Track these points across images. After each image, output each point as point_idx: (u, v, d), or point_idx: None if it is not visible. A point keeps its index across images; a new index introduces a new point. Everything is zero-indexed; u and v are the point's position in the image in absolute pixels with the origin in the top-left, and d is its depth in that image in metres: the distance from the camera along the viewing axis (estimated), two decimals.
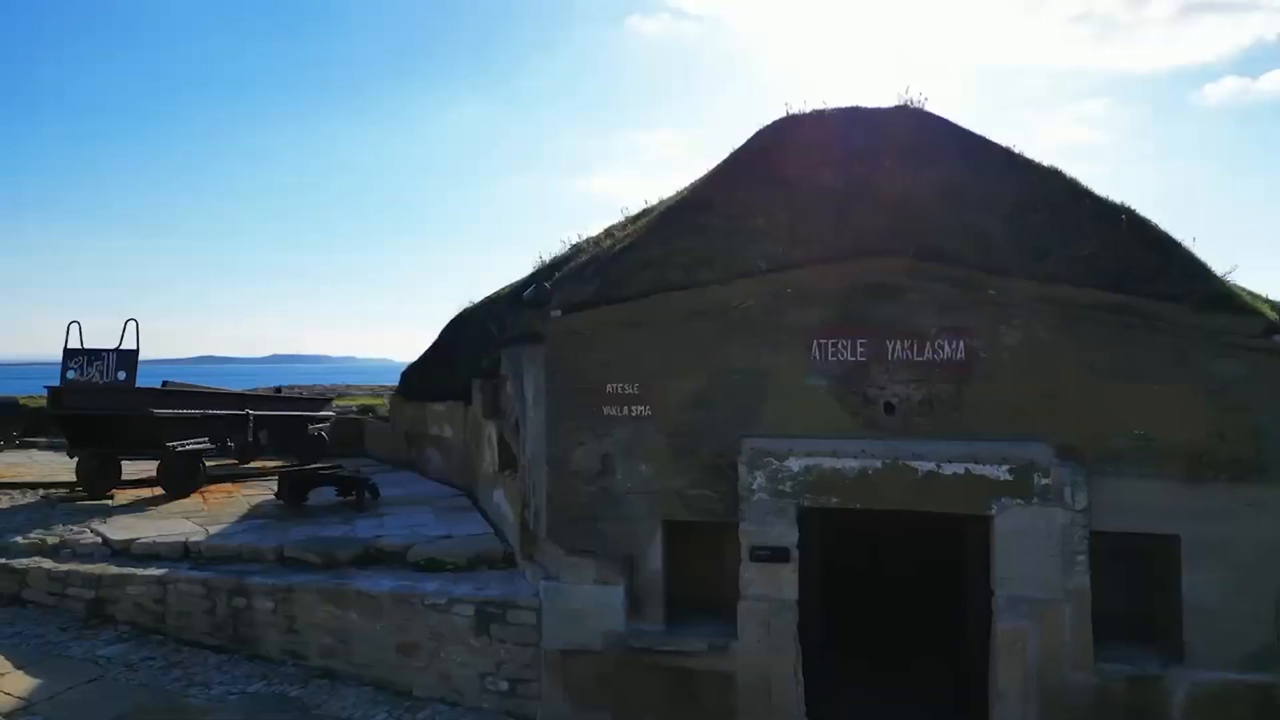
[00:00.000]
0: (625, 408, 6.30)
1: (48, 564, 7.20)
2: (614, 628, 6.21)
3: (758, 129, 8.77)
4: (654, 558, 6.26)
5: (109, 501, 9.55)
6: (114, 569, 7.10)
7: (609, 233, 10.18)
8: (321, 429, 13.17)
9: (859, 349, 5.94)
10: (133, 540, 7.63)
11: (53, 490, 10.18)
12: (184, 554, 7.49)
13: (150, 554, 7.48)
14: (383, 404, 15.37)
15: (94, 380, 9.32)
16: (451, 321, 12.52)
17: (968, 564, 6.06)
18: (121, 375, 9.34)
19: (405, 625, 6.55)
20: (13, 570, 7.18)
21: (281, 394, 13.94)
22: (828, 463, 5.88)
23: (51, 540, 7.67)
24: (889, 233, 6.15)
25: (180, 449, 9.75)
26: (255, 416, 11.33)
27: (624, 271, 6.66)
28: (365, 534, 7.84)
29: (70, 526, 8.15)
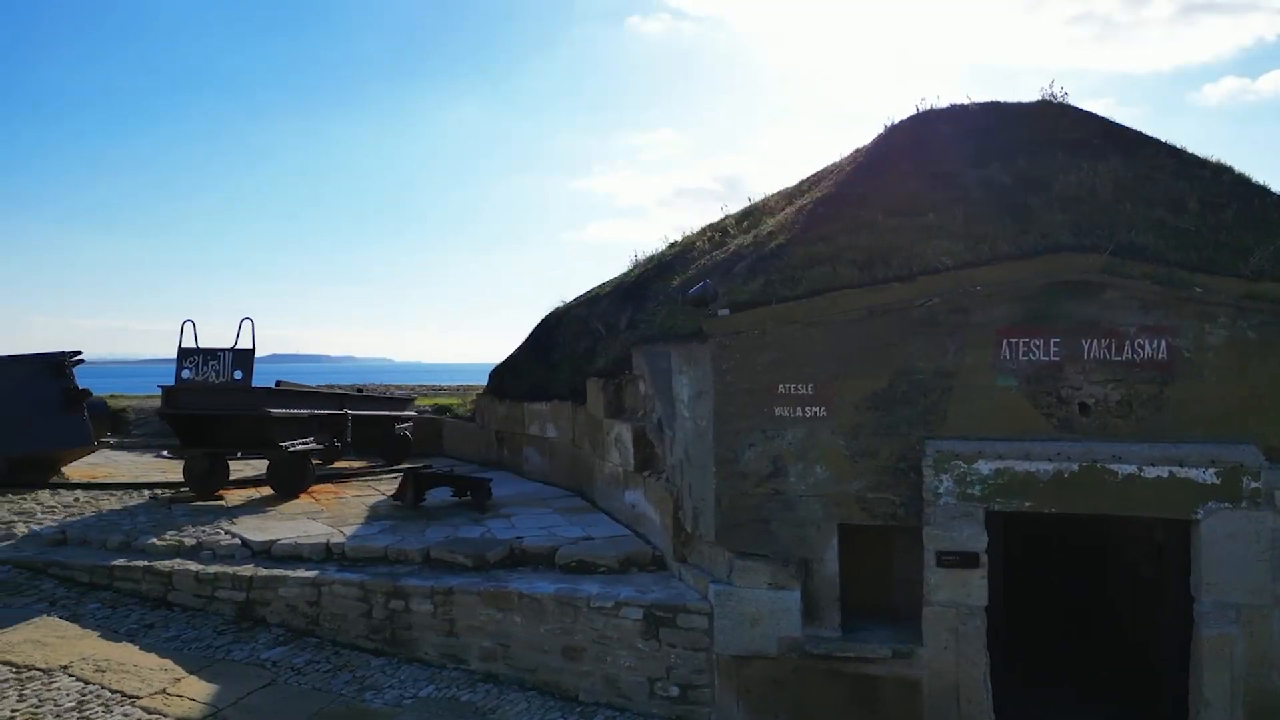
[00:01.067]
0: (799, 408, 6.17)
1: (194, 566, 7.12)
2: (790, 633, 6.09)
3: (888, 124, 8.64)
4: (830, 562, 6.14)
5: (221, 502, 9.50)
6: (264, 571, 7.02)
7: (720, 229, 10.08)
8: (406, 429, 13.10)
9: (1052, 348, 5.78)
10: (273, 542, 7.55)
11: (159, 490, 10.14)
12: (326, 555, 7.41)
13: (292, 555, 7.41)
14: (456, 403, 15.29)
15: (210, 380, 9.26)
16: (542, 322, 12.43)
17: (1165, 570, 5.92)
18: (238, 375, 9.27)
19: (569, 629, 6.44)
20: (158, 572, 7.10)
21: (363, 393, 13.86)
22: (1020, 465, 5.73)
23: (189, 542, 7.60)
24: (1075, 228, 6.00)
25: (293, 449, 9.69)
26: (352, 416, 11.26)
27: (790, 269, 6.54)
28: (504, 535, 7.74)
29: (202, 528, 8.08)
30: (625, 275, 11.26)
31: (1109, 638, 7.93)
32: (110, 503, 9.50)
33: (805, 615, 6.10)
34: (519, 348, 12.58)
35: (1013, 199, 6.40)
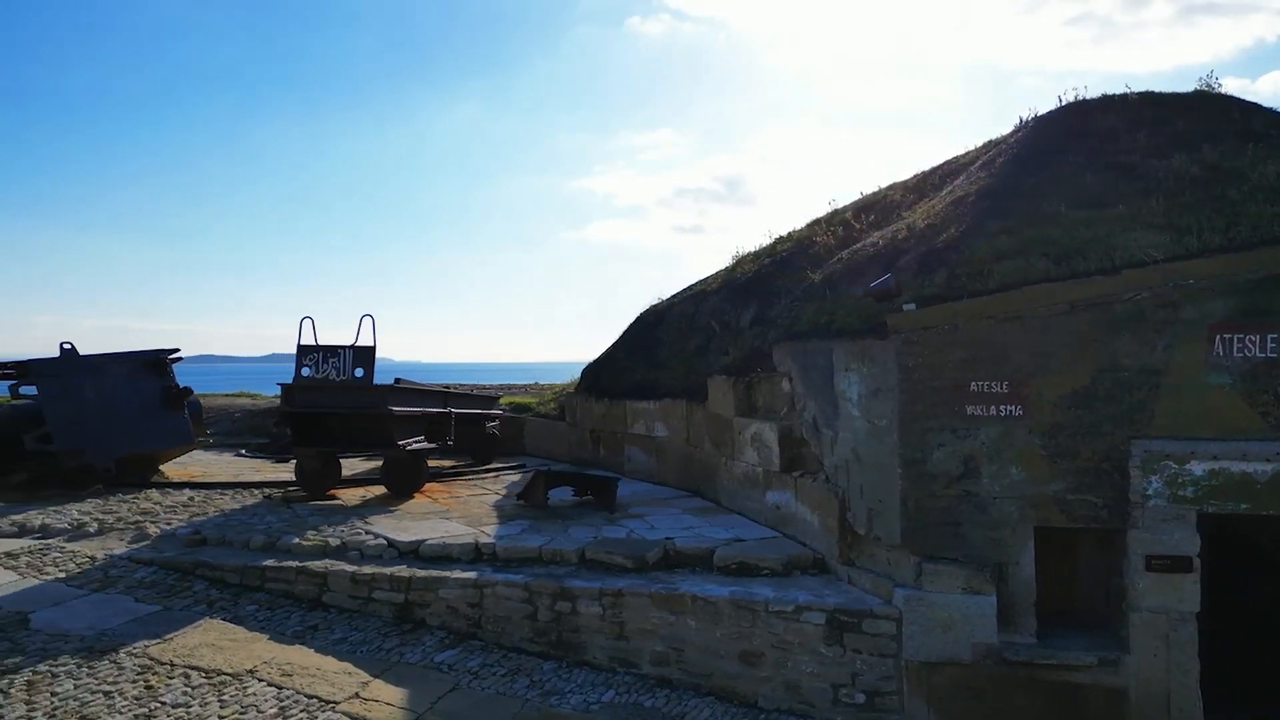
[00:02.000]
0: (992, 407, 5.98)
1: (348, 567, 6.97)
2: (985, 639, 5.90)
3: (1032, 116, 8.43)
4: (1026, 566, 5.95)
5: (337, 501, 9.36)
6: (422, 572, 6.87)
7: (837, 224, 9.89)
8: (494, 428, 12.96)
9: (1269, 344, 5.57)
10: (420, 542, 7.40)
11: (271, 490, 10.01)
12: (476, 555, 7.26)
13: (441, 556, 7.26)
14: (533, 402, 15.14)
15: (330, 377, 9.13)
16: (639, 320, 12.28)
17: None
18: (359, 372, 9.13)
19: (747, 633, 6.27)
20: (312, 573, 6.96)
21: (450, 391, 13.72)
22: (1235, 466, 5.53)
23: (334, 542, 7.46)
24: None
25: (410, 448, 9.55)
26: (456, 414, 11.11)
27: (975, 263, 6.35)
28: (651, 536, 7.57)
29: (338, 528, 7.94)
30: (731, 272, 11.10)
31: None
32: (223, 502, 9.37)
33: (1000, 621, 5.91)
34: (614, 346, 12.43)
35: (1210, 190, 6.19)
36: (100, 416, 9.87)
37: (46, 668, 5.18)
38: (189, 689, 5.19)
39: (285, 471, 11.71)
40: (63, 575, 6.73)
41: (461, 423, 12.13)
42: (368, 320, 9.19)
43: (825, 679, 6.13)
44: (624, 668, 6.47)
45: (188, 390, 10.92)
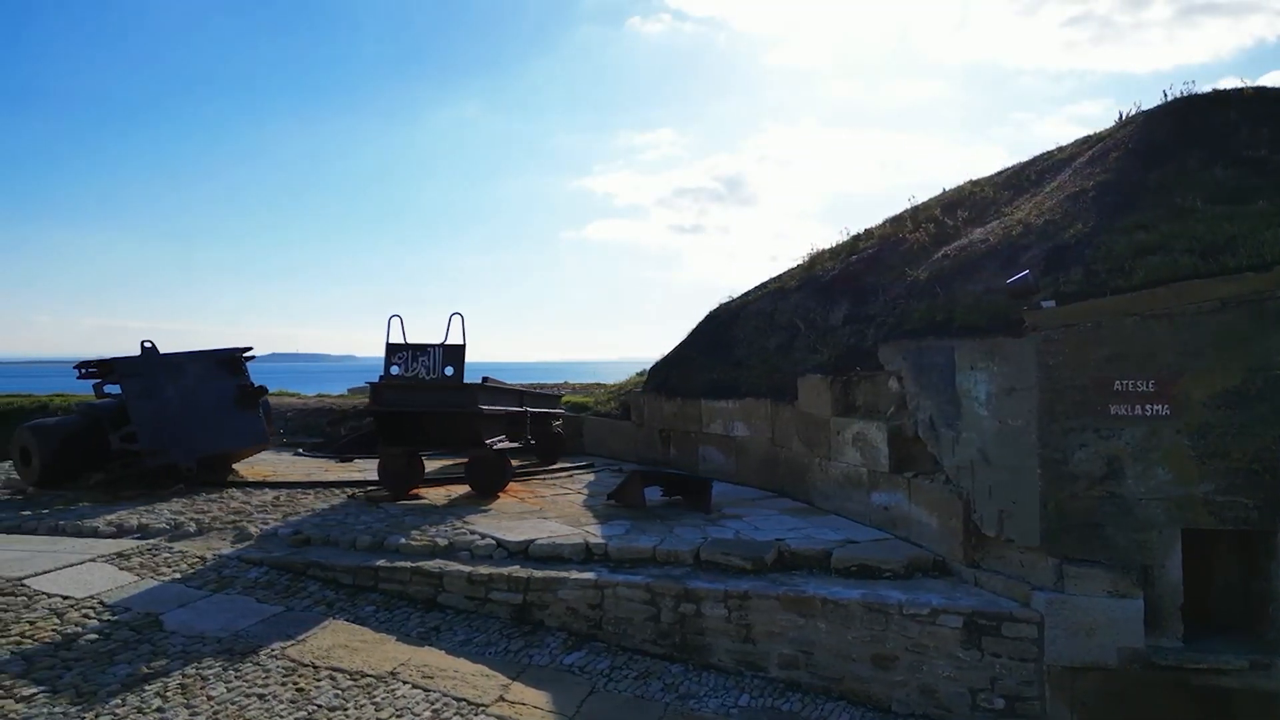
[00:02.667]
0: (1138, 406, 5.86)
1: (464, 567, 6.89)
2: (1131, 643, 5.79)
3: (1139, 111, 8.30)
4: (1173, 569, 5.83)
5: (423, 501, 9.29)
6: (540, 573, 6.78)
7: (924, 220, 9.77)
8: (558, 426, 12.87)
9: None
10: (530, 542, 7.32)
11: (354, 490, 9.94)
12: (587, 556, 7.17)
13: (552, 556, 7.17)
14: (590, 400, 15.06)
15: (420, 376, 9.05)
16: (710, 319, 12.18)
17: None
18: (449, 371, 9.06)
19: (879, 636, 6.16)
20: (427, 574, 6.88)
21: (526, 390, 13.65)
22: None
23: (442, 542, 7.37)
24: None
25: (498, 447, 9.47)
26: (531, 414, 11.03)
27: (1114, 259, 6.23)
28: (761, 536, 7.47)
29: (439, 527, 7.86)
30: (809, 270, 10.98)
31: None
32: (309, 502, 9.30)
33: (1146, 624, 5.80)
34: (683, 344, 12.33)
35: None
36: (182, 416, 9.81)
37: (194, 670, 5.10)
38: (339, 691, 5.10)
39: (355, 471, 11.66)
40: (178, 576, 6.66)
41: (533, 421, 12.07)
42: (457, 319, 9.12)
43: (963, 683, 6.02)
44: (750, 671, 6.37)
45: (262, 389, 10.86)
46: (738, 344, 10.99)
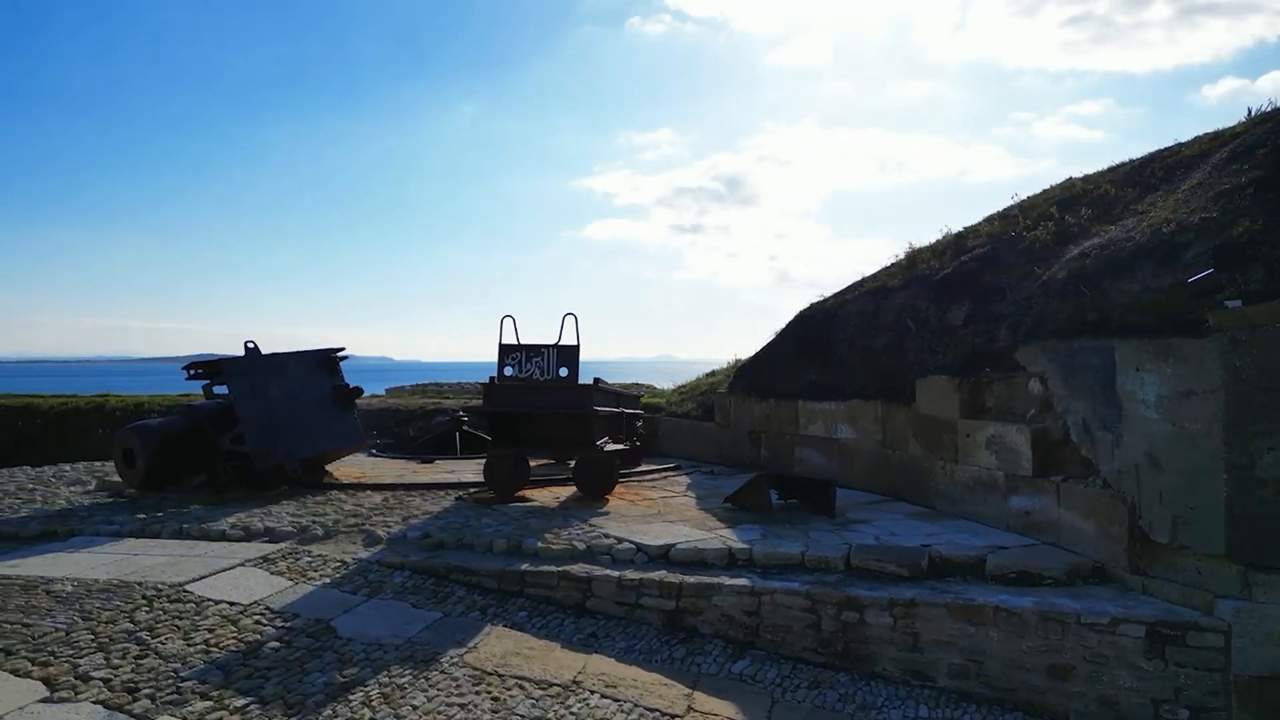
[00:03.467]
0: None
1: (613, 572, 6.76)
2: None
3: (1271, 107, 8.12)
4: None
5: (533, 503, 9.17)
6: (692, 578, 6.64)
7: (1038, 218, 9.60)
8: (642, 428, 12.75)
9: None
10: (670, 546, 7.19)
11: (460, 492, 9.84)
12: (730, 561, 7.04)
13: (695, 560, 7.04)
14: (663, 401, 14.93)
15: (534, 376, 8.93)
16: (801, 319, 12.03)
17: None
18: (563, 371, 8.94)
19: (1056, 646, 6.00)
20: (575, 578, 6.75)
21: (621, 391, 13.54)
22: None
23: (580, 546, 7.25)
24: None
25: (608, 449, 9.35)
26: (625, 414, 10.91)
27: None
28: (904, 541, 7.33)
29: (569, 530, 7.74)
30: (909, 269, 10.82)
31: None
32: (418, 503, 9.20)
33: None
34: (772, 345, 12.19)
35: None
36: (286, 417, 9.72)
37: (388, 679, 4.98)
38: (533, 700, 4.99)
39: (444, 472, 11.58)
40: (327, 580, 6.55)
41: (624, 422, 11.96)
42: (570, 320, 9.00)
43: (1145, 694, 5.85)
44: (918, 681, 6.22)
45: (358, 390, 10.77)
46: (837, 344, 10.84)
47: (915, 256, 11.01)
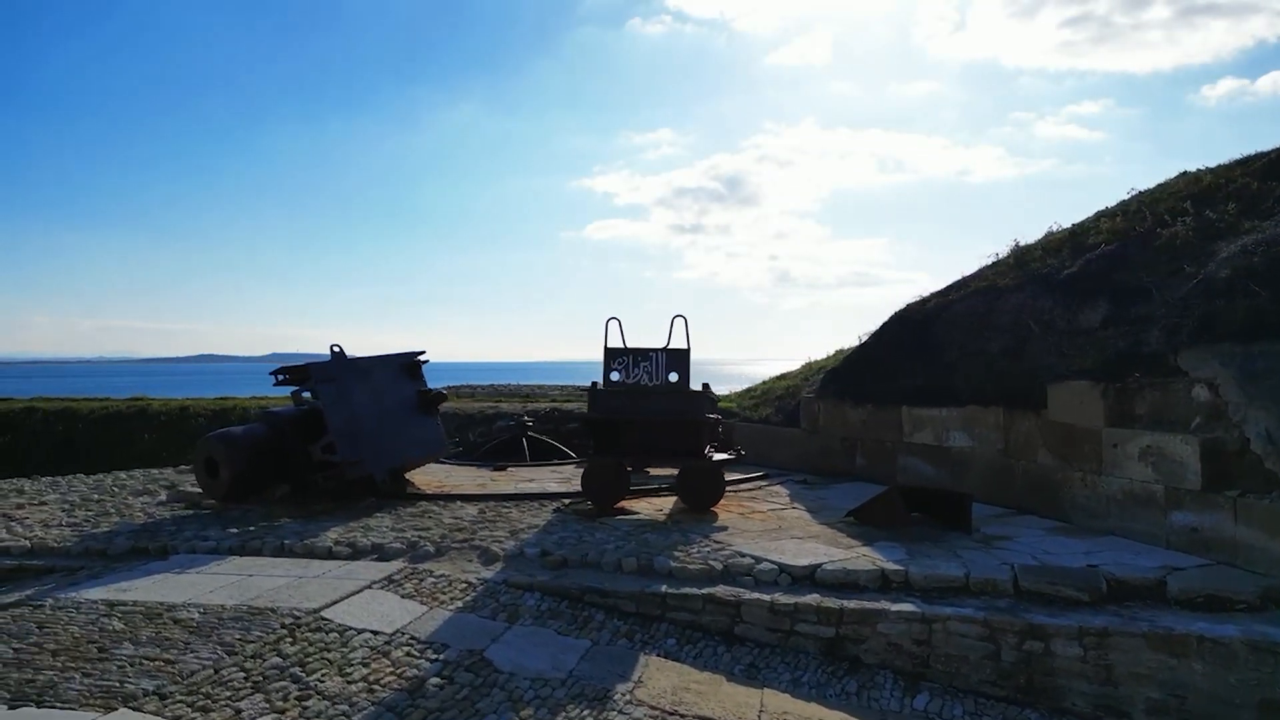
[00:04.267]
0: None
1: (763, 596, 6.25)
2: None
3: None
4: None
5: (635, 515, 8.67)
6: (853, 604, 6.13)
7: (1163, 211, 9.07)
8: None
9: None
10: (816, 566, 6.68)
11: (554, 501, 9.35)
12: (884, 583, 6.52)
13: (845, 583, 6.52)
14: (734, 406, 14.41)
15: (642, 382, 8.44)
16: (899, 319, 11.50)
17: None
18: (673, 376, 8.44)
19: (1269, 679, 5.46)
20: (722, 602, 6.25)
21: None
22: None
23: (716, 565, 6.75)
24: None
25: (716, 457, 8.84)
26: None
27: None
28: (1061, 561, 6.79)
29: (694, 548, 7.24)
30: (1019, 267, 10.28)
31: None
32: (517, 516, 8.71)
33: None
34: (867, 347, 11.67)
35: None
36: (373, 424, 9.25)
37: None
38: None
39: (523, 480, 11.11)
40: (460, 604, 6.06)
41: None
42: (680, 321, 8.50)
43: None
44: (1111, 716, 5.69)
45: (442, 396, 10.29)
46: (946, 347, 10.30)
47: (1024, 255, 10.47)
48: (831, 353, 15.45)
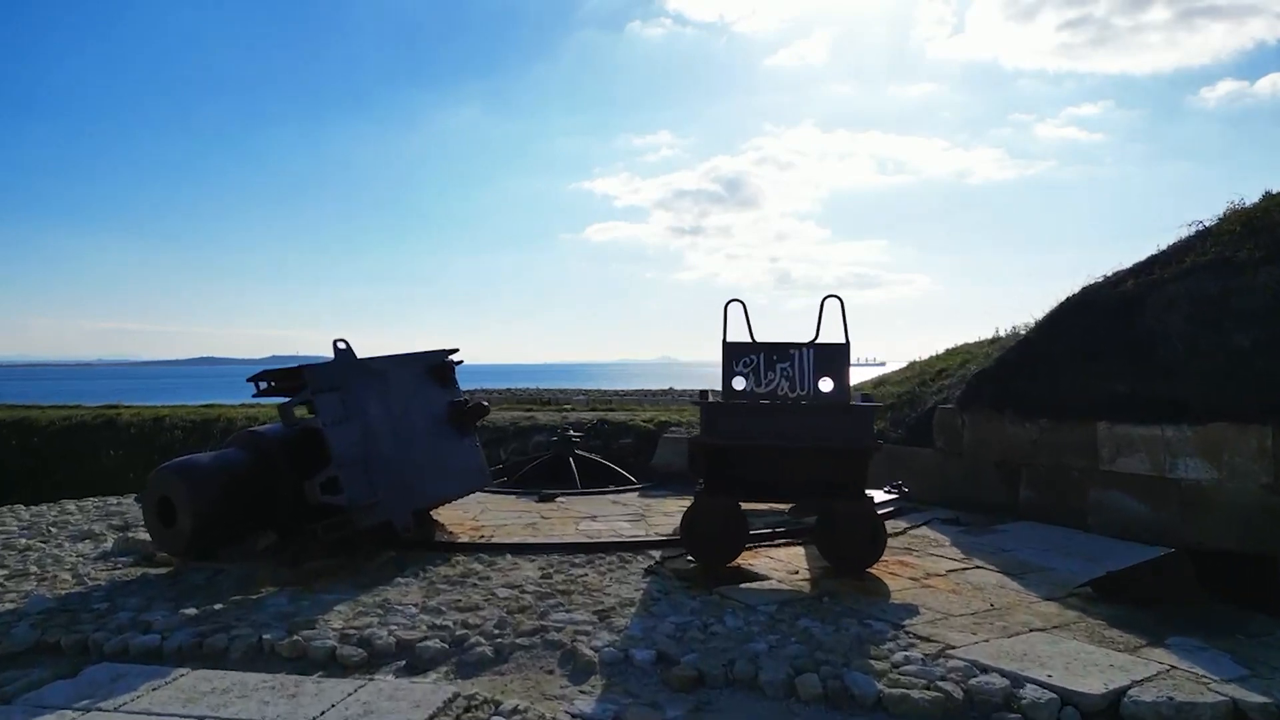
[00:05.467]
0: None
1: None
2: None
3: None
4: None
5: (767, 582, 6.09)
6: None
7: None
8: None
9: None
10: (1119, 693, 4.09)
11: (642, 555, 6.79)
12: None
13: (1168, 715, 3.94)
14: None
15: (780, 391, 5.87)
16: (1076, 305, 8.87)
17: None
18: (825, 385, 5.88)
19: None
20: None
21: None
22: None
23: (947, 688, 4.17)
24: None
25: (876, 498, 6.27)
26: None
27: None
28: None
29: (888, 644, 4.67)
30: (1258, 231, 7.68)
31: None
32: (592, 579, 6.15)
33: None
34: (1031, 341, 9.06)
35: None
36: (392, 450, 6.69)
37: None
38: None
39: (579, 514, 8.57)
40: None
41: None
42: (833, 304, 5.93)
43: None
44: None
45: (482, 408, 7.72)
46: (1161, 341, 7.68)
47: (1259, 219, 7.86)
48: (940, 351, 12.86)
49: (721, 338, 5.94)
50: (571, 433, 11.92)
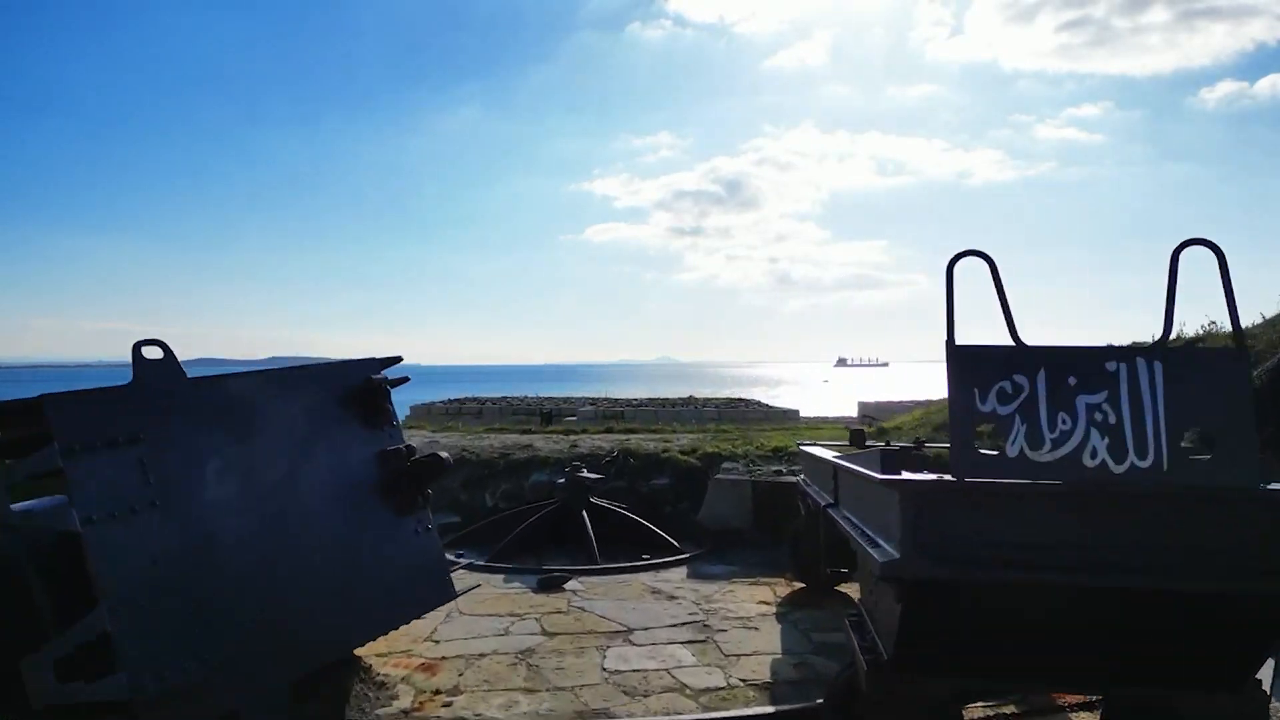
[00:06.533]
0: None
1: None
2: None
3: None
4: None
5: None
6: None
7: None
8: None
9: None
10: None
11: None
12: None
13: None
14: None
15: (1095, 457, 2.54)
16: None
17: None
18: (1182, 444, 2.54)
19: None
20: None
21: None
22: None
23: None
24: None
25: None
26: None
27: None
28: None
29: None
30: None
31: None
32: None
33: None
34: None
35: None
36: (254, 565, 3.35)
37: None
38: None
39: (610, 633, 5.25)
40: None
41: None
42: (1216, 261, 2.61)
43: None
44: None
45: (439, 463, 4.36)
46: None
47: None
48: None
49: (945, 335, 2.61)
50: (585, 473, 8.57)
